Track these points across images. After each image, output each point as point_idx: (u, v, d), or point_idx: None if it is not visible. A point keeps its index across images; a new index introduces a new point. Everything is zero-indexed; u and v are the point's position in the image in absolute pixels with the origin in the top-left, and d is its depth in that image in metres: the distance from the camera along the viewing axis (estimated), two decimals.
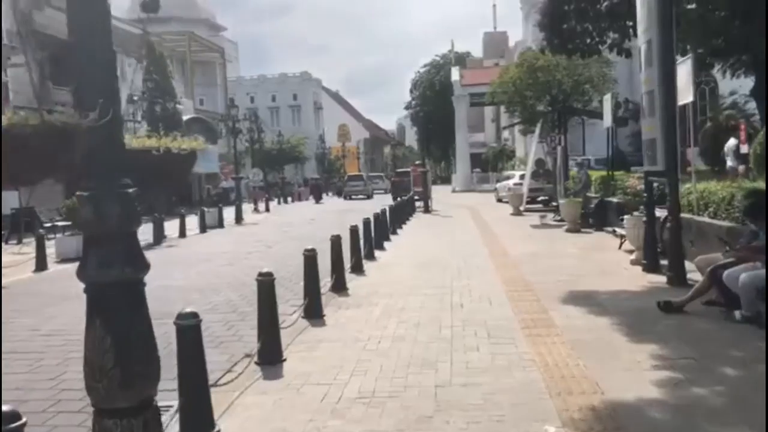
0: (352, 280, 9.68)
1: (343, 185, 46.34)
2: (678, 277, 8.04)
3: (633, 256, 10.10)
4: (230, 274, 11.37)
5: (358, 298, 8.30)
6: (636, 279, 8.74)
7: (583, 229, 15.42)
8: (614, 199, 15.77)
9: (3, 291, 9.31)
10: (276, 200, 42.32)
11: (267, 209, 32.92)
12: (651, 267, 9.10)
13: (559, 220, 18.01)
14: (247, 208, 32.36)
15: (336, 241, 9.00)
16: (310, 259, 7.35)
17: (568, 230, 15.47)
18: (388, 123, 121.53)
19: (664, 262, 9.12)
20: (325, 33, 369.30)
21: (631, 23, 15.71)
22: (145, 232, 18.17)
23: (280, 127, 63.30)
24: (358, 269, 10.50)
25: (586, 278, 9.05)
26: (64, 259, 13.67)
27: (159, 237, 18.19)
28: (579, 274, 9.40)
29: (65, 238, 15.08)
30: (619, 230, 11.97)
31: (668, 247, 8.14)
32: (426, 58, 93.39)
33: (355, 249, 10.62)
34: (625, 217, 10.30)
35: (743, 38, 15.68)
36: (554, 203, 22.08)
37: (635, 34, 16.63)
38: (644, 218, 9.24)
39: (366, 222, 12.26)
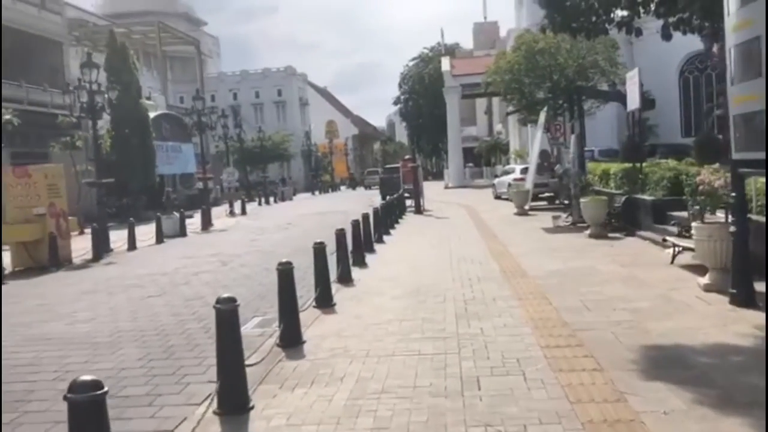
0: (314, 321, 6.83)
1: (363, 178, 62.25)
2: None
3: (706, 279, 7.26)
4: (154, 311, 8.42)
5: (315, 363, 5.42)
6: (730, 320, 5.89)
7: (610, 234, 12.59)
8: (646, 197, 12.96)
9: None
10: (257, 201, 39.37)
11: (243, 212, 29.93)
12: (745, 299, 6.28)
13: (574, 223, 15.17)
14: (223, 210, 29.69)
15: (285, 273, 6.10)
16: (227, 315, 4.40)
17: (592, 236, 12.61)
18: (378, 120, 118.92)
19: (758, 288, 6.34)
20: (313, 32, 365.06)
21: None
22: (81, 248, 15.21)
23: (264, 124, 60.23)
24: (325, 302, 7.61)
25: (652, 318, 6.19)
26: None
27: (100, 251, 15.23)
28: (639, 310, 6.54)
29: None
30: (670, 238, 9.15)
31: None
32: (415, 52, 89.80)
33: (321, 276, 7.69)
34: (694, 224, 7.43)
35: None
36: (565, 201, 19.27)
37: (645, 12, 14.07)
38: (731, 228, 6.42)
39: (339, 235, 9.35)
